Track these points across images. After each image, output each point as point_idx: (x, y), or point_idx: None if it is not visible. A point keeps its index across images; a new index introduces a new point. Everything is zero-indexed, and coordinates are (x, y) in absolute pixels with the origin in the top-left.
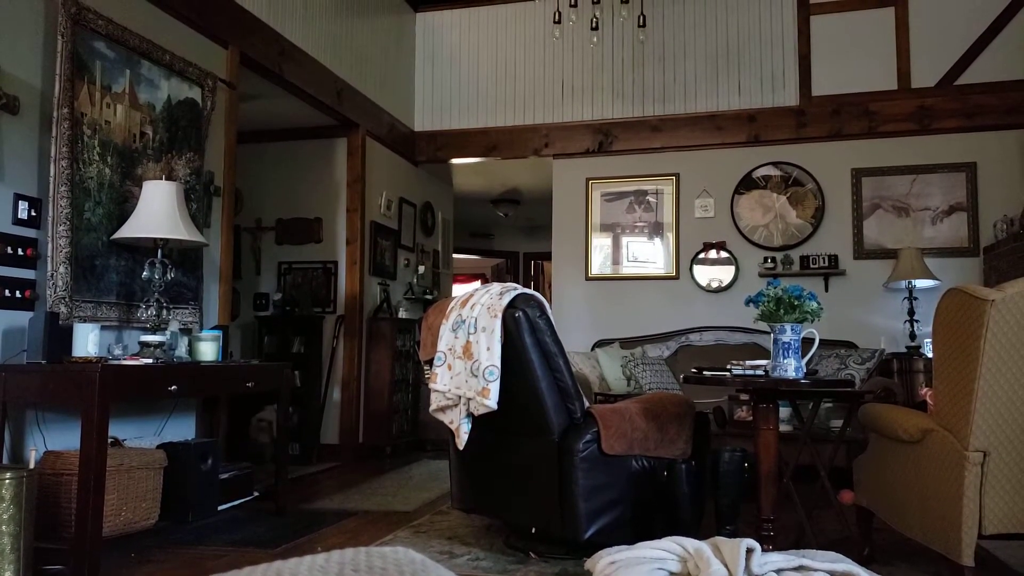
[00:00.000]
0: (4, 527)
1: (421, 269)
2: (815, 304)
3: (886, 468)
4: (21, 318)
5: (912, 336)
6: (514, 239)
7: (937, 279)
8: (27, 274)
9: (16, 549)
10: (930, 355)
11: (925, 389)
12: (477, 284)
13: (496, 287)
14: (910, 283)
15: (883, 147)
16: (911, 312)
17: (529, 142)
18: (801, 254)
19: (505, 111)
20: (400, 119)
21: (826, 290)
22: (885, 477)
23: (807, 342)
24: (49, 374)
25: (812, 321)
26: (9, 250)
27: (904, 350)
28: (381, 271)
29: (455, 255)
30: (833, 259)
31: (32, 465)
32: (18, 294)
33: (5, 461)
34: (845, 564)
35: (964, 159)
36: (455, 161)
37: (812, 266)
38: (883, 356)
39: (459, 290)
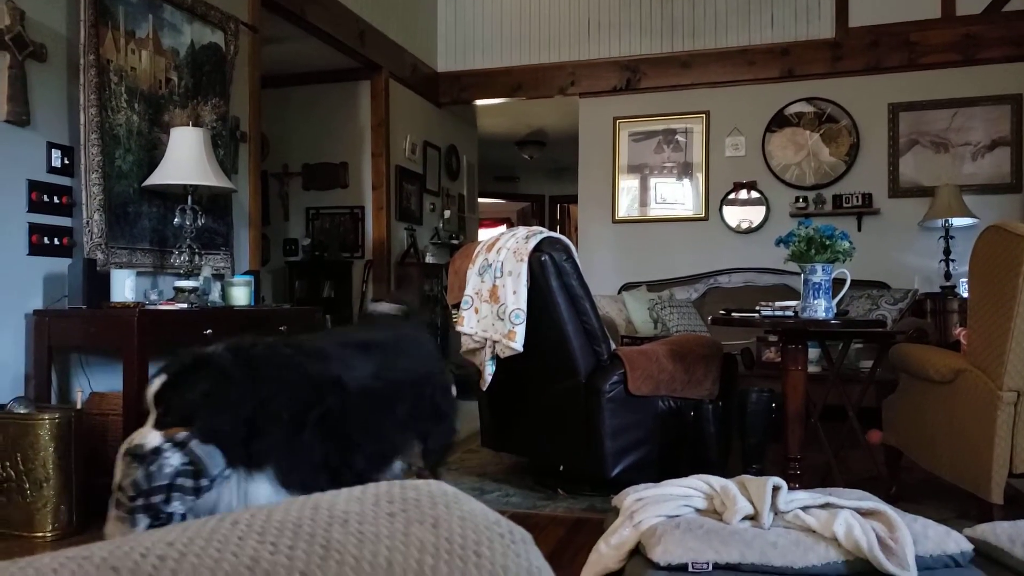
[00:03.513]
0: (55, 464)
1: (447, 214)
2: (847, 244)
3: (916, 408)
4: (60, 265)
5: (947, 276)
6: (539, 182)
7: (975, 217)
8: (63, 221)
9: (68, 485)
10: (965, 295)
11: (959, 329)
12: (503, 228)
13: (522, 231)
14: (947, 221)
15: (923, 80)
16: (947, 251)
17: (554, 81)
18: (834, 193)
19: (529, 49)
20: (423, 60)
21: (859, 229)
22: (915, 417)
23: (838, 283)
24: (89, 319)
25: (844, 261)
26: (45, 198)
27: (938, 290)
28: (407, 216)
29: (480, 199)
30: (867, 198)
31: (79, 405)
32: (56, 241)
33: (53, 402)
34: (872, 502)
35: (1009, 91)
36: (479, 102)
37: (845, 205)
38: (916, 296)
39: (485, 235)
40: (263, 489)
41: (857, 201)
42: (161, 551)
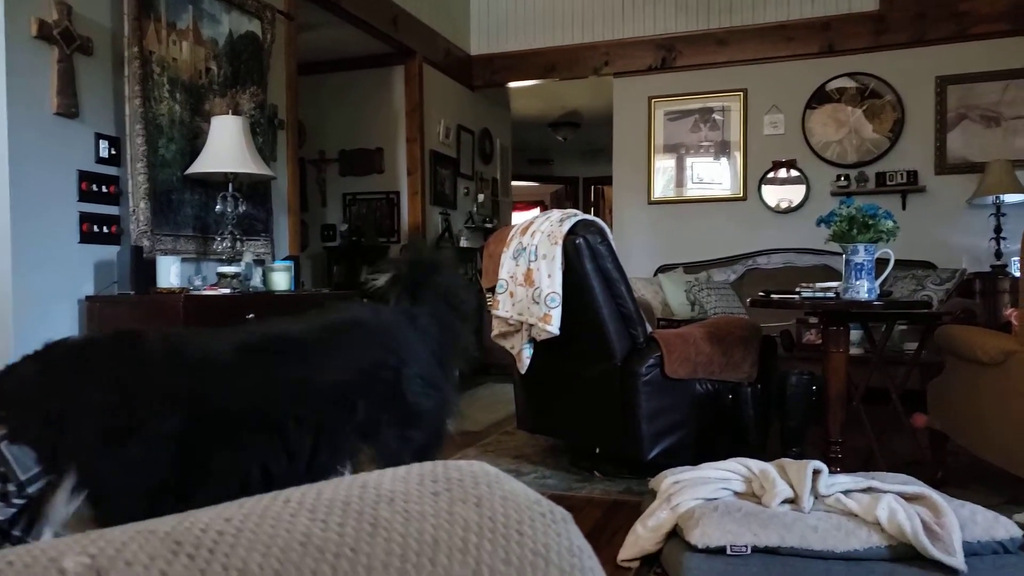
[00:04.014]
0: None
1: (480, 197)
2: (890, 223)
3: (964, 391)
4: (109, 252)
5: (998, 255)
6: (573, 164)
7: None
8: (111, 210)
9: None
10: (1017, 274)
11: (1010, 310)
12: (537, 211)
13: (556, 214)
14: (998, 198)
15: (972, 51)
16: (998, 229)
17: (588, 61)
18: (877, 171)
19: (563, 29)
20: (456, 43)
21: (903, 208)
22: (962, 400)
23: (881, 263)
24: (137, 304)
25: (887, 241)
26: (94, 187)
27: (988, 270)
28: (442, 200)
29: (514, 182)
30: (912, 175)
31: None
32: (105, 229)
33: None
34: (916, 486)
35: None
36: (512, 85)
37: (889, 183)
38: (964, 276)
39: (519, 218)
40: (62, 505)
41: (902, 179)
42: (220, 527)
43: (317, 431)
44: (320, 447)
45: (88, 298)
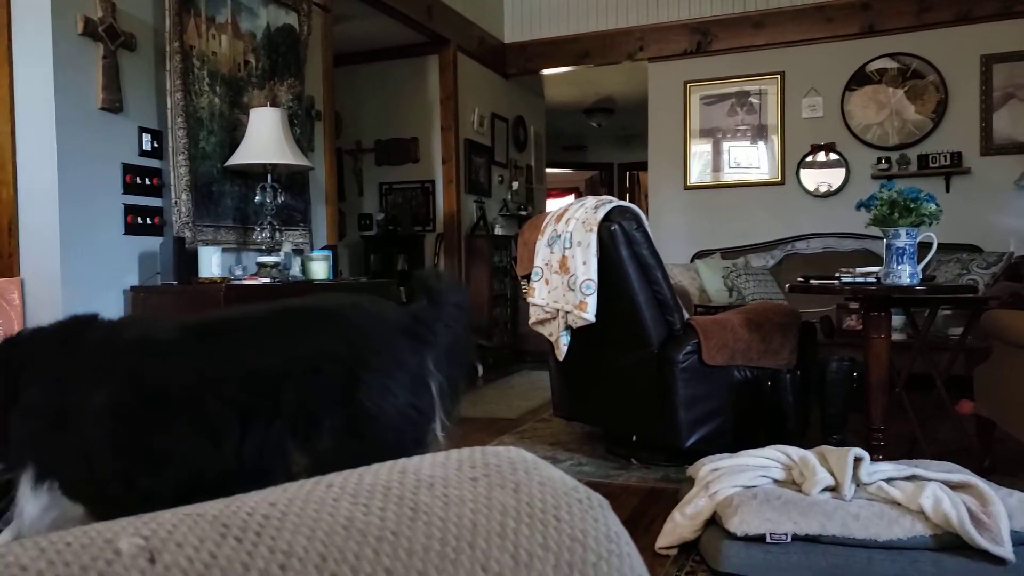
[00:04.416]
0: None
1: (515, 185)
2: (933, 206)
3: (1012, 377)
4: (152, 243)
5: None
6: (608, 150)
7: None
8: (154, 202)
9: None
10: None
11: None
12: (571, 198)
13: (591, 200)
14: None
15: (1020, 28)
16: None
17: (622, 46)
18: (919, 153)
19: (596, 15)
20: (490, 31)
21: (947, 191)
22: (1011, 386)
23: (924, 247)
24: (180, 294)
25: (930, 224)
26: (138, 180)
27: None
28: (476, 189)
29: (548, 169)
30: (956, 157)
31: None
32: (148, 221)
33: None
34: (962, 474)
35: None
36: (546, 72)
37: (931, 165)
38: (1012, 260)
39: (553, 205)
40: (30, 499)
41: (945, 160)
42: (265, 511)
43: (242, 417)
44: (247, 436)
45: (133, 288)
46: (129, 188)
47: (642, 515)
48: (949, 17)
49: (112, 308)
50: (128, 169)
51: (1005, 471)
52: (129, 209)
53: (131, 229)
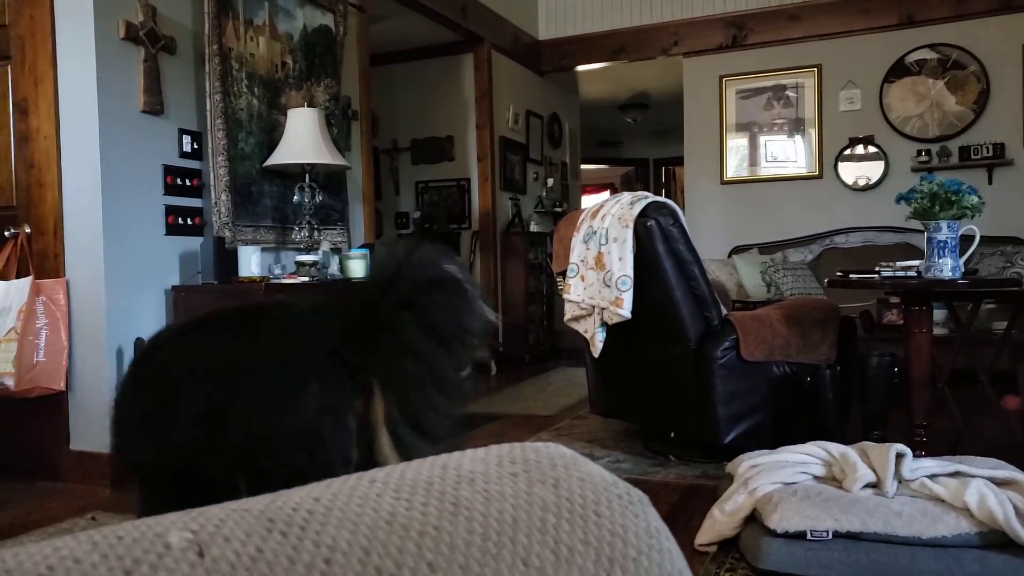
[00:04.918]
0: None
1: (550, 182)
2: (975, 198)
3: None
4: (193, 243)
5: None
6: (643, 145)
7: None
8: (194, 203)
9: None
10: None
11: None
12: (607, 194)
13: (626, 196)
14: None
15: None
16: None
17: (657, 42)
18: (960, 145)
19: (630, 11)
20: (524, 29)
21: (990, 183)
22: None
23: (966, 240)
24: (221, 293)
25: (972, 217)
26: (178, 181)
27: None
28: (511, 186)
29: (583, 166)
30: (999, 148)
31: None
32: (188, 221)
33: None
34: (1008, 471)
35: None
36: (580, 68)
37: (973, 157)
38: None
39: (589, 201)
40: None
41: (987, 152)
42: (309, 506)
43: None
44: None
45: (174, 288)
46: (170, 189)
47: (681, 512)
48: (990, 6)
49: (154, 308)
50: (169, 170)
51: None
52: (170, 210)
53: (172, 230)
